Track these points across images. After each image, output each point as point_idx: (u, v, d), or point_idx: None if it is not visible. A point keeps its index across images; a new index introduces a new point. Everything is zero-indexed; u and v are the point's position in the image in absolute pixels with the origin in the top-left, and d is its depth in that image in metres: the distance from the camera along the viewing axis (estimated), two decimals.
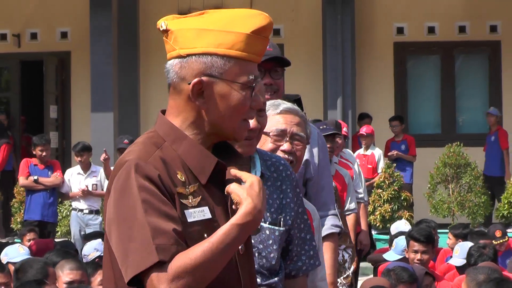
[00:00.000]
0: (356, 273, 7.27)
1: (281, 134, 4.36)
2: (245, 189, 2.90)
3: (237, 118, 3.04)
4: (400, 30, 18.37)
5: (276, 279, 3.85)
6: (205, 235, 2.92)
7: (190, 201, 2.95)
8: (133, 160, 2.94)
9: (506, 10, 17.97)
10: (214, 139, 3.07)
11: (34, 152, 14.66)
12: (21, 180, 14.71)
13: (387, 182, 16.09)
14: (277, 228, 3.78)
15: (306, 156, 4.97)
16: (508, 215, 16.29)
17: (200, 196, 2.98)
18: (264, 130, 4.12)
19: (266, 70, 5.05)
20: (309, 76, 17.06)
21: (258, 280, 3.71)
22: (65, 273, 7.19)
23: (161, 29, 3.05)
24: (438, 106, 18.04)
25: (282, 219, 3.81)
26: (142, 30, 18.09)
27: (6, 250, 9.49)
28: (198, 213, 2.96)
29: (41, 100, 18.65)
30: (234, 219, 2.86)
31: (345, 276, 6.70)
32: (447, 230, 13.54)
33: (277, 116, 4.42)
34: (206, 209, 2.98)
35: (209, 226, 2.96)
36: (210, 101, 2.98)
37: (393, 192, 16.00)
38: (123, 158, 3.00)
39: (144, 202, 2.85)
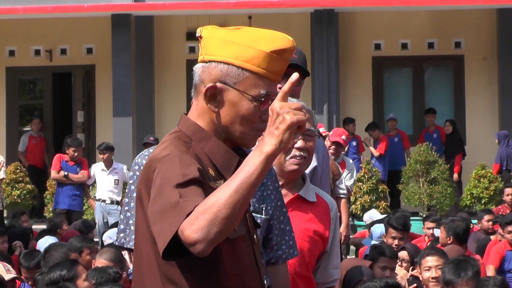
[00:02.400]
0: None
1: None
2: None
3: (246, 126, 2.93)
4: (377, 46, 18.29)
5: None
6: (235, 227, 2.80)
7: None
8: (176, 152, 2.83)
9: (468, 29, 17.93)
10: (228, 144, 2.96)
11: (66, 152, 14.67)
12: (53, 173, 14.72)
13: (366, 176, 16.11)
14: (259, 216, 3.65)
15: (314, 163, 4.77)
16: (471, 204, 16.31)
17: None
18: None
19: (285, 75, 4.78)
20: (302, 94, 16.98)
21: None
22: (100, 262, 7.13)
23: (197, 35, 2.98)
24: (410, 111, 18.00)
25: (264, 207, 3.69)
26: (157, 47, 18.05)
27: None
28: None
29: (70, 107, 18.64)
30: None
31: None
32: (418, 218, 13.58)
33: None
34: None
35: None
36: (221, 106, 2.89)
37: (371, 185, 16.04)
38: (159, 154, 2.87)
39: (187, 189, 2.70)
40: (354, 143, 16.93)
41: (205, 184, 2.79)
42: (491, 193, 16.31)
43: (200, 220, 2.57)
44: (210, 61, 2.92)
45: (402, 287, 6.10)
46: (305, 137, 4.15)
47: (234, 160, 2.91)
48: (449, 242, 8.90)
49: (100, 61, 18.00)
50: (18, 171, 16.79)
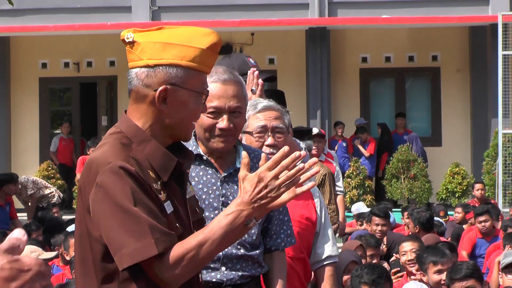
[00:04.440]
0: None
1: (263, 130, 3.90)
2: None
3: (190, 121, 2.75)
4: (364, 60, 18.29)
5: (257, 251, 3.58)
6: (177, 225, 2.63)
7: (162, 196, 2.63)
8: (116, 162, 2.57)
9: (444, 44, 17.95)
10: (168, 141, 2.75)
11: (88, 153, 14.67)
12: (78, 175, 14.70)
13: (354, 173, 16.14)
14: None
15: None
16: (446, 197, 16.35)
17: (166, 192, 2.65)
18: (248, 130, 3.91)
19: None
20: (296, 95, 17.00)
21: (242, 251, 3.54)
22: None
23: (127, 40, 2.73)
24: (393, 117, 18.01)
25: None
26: None
27: None
28: (168, 206, 2.63)
29: (95, 112, 18.68)
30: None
31: None
32: (399, 209, 13.60)
33: (257, 114, 3.93)
34: (169, 202, 2.65)
35: (177, 217, 2.66)
36: (172, 106, 2.67)
37: (359, 181, 16.09)
38: (101, 158, 2.61)
39: (136, 199, 2.51)
40: (344, 144, 16.97)
41: (145, 187, 2.58)
42: (464, 188, 16.38)
43: (183, 268, 2.49)
44: (155, 65, 2.69)
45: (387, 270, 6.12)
46: (274, 134, 3.91)
47: (172, 162, 2.68)
48: (416, 231, 8.97)
49: (122, 72, 17.99)
50: (50, 168, 16.96)
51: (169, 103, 2.66)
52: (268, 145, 3.86)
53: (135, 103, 2.72)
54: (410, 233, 9.46)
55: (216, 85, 3.39)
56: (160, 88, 2.63)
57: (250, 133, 3.90)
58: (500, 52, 15.73)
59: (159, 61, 2.67)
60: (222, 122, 3.35)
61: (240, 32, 17.05)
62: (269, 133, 3.89)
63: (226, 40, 17.35)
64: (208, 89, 2.78)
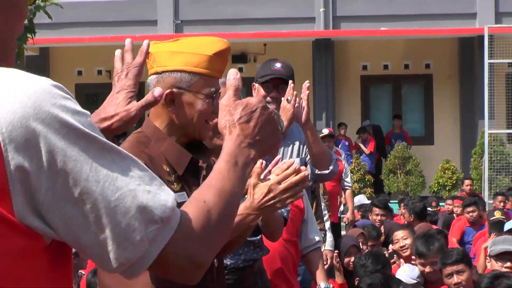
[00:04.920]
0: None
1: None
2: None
3: (200, 121, 2.67)
4: (364, 67, 18.31)
5: (257, 237, 3.56)
6: None
7: (174, 187, 2.57)
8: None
9: (436, 53, 17.92)
10: (184, 139, 2.71)
11: None
12: None
13: (356, 168, 16.14)
14: None
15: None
16: (437, 190, 16.34)
17: (181, 184, 2.60)
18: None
19: (274, 86, 4.50)
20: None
21: None
22: None
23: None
24: (390, 118, 18.02)
25: None
26: None
27: None
28: (180, 197, 2.50)
29: None
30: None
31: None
32: (396, 201, 13.57)
33: None
34: (184, 193, 2.56)
35: None
36: (180, 108, 2.64)
37: (360, 176, 16.10)
38: None
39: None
40: (346, 143, 16.95)
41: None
42: (454, 182, 16.39)
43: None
44: (163, 72, 2.68)
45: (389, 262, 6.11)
46: None
47: (186, 157, 2.63)
48: (411, 219, 8.98)
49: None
50: None
51: (176, 105, 2.64)
52: None
53: (155, 107, 2.68)
54: (405, 222, 9.47)
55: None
56: (166, 92, 2.61)
57: None
58: (486, 61, 15.67)
59: (165, 67, 2.66)
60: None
61: (254, 43, 17.06)
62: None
63: (242, 50, 17.39)
64: (217, 91, 2.72)
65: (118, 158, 1.36)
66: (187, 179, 2.65)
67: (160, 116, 2.69)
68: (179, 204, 1.93)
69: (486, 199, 13.74)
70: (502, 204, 11.42)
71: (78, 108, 1.34)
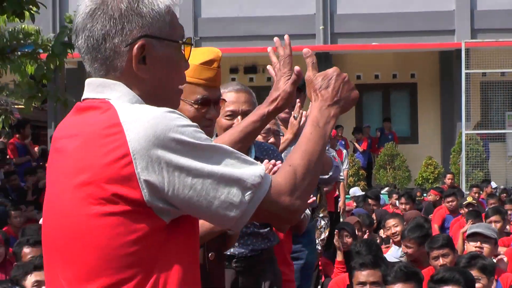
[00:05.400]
0: (329, 239, 6.39)
1: (267, 132, 3.82)
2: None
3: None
4: (358, 77, 18.27)
5: (266, 229, 3.40)
6: None
7: None
8: None
9: (420, 65, 17.90)
10: None
11: None
12: None
13: (350, 164, 16.18)
14: None
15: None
16: (421, 183, 16.39)
17: None
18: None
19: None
20: (306, 104, 17.07)
21: (251, 229, 3.34)
22: None
23: None
24: (381, 121, 18.01)
25: None
26: None
27: None
28: None
29: None
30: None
31: (321, 238, 5.68)
32: (386, 193, 13.71)
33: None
34: None
35: None
36: None
37: (354, 170, 16.15)
38: None
39: None
40: (343, 142, 16.96)
41: None
42: (436, 176, 16.38)
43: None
44: None
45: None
46: (275, 135, 3.86)
47: None
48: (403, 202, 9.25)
49: None
50: None
51: None
52: (271, 143, 3.75)
53: None
54: (393, 211, 9.63)
55: (231, 93, 3.28)
56: None
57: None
58: (463, 71, 15.73)
59: None
60: (237, 122, 3.17)
61: (263, 56, 16.94)
62: (271, 134, 3.86)
63: (252, 62, 17.48)
64: (207, 98, 2.60)
65: (215, 153, 1.54)
66: None
67: None
68: None
69: (463, 190, 13.90)
70: (477, 195, 11.62)
71: (186, 122, 1.53)
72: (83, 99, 1.65)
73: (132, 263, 1.48)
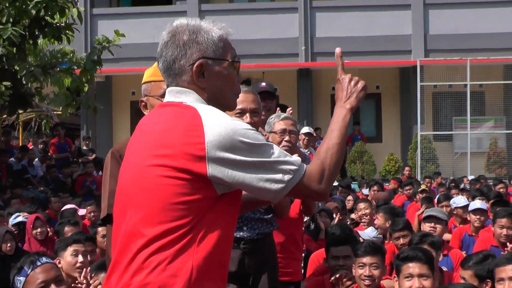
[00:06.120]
0: (310, 220, 6.14)
1: (283, 131, 3.68)
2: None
3: None
4: (333, 89, 17.38)
5: (269, 215, 3.30)
6: None
7: None
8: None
9: (383, 78, 17.90)
10: None
11: None
12: None
13: None
14: None
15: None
16: (385, 174, 16.41)
17: None
18: (273, 131, 3.66)
19: (263, 98, 4.05)
20: (292, 115, 17.10)
21: (258, 215, 3.24)
22: None
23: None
24: (352, 124, 17.95)
25: None
26: None
27: None
28: None
29: None
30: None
31: (304, 220, 5.35)
32: (356, 183, 13.78)
33: (280, 121, 3.68)
34: None
35: None
36: (150, 110, 2.52)
37: None
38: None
39: None
40: (320, 141, 16.95)
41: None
42: (396, 169, 16.42)
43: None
44: (143, 83, 2.66)
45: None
46: (290, 135, 3.72)
47: None
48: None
49: None
50: None
51: (149, 109, 2.57)
52: (286, 141, 3.69)
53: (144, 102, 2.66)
54: (363, 197, 9.70)
55: (240, 94, 3.24)
56: (140, 100, 2.66)
57: (274, 132, 3.71)
58: (418, 84, 15.85)
59: (143, 81, 2.67)
60: (246, 119, 3.14)
61: (256, 71, 16.96)
62: (287, 133, 3.74)
63: (247, 76, 17.23)
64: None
65: (267, 148, 1.70)
66: None
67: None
68: None
69: (419, 180, 14.00)
70: (429, 184, 11.71)
71: (247, 127, 1.72)
72: (166, 101, 1.83)
73: (183, 217, 1.64)
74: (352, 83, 1.97)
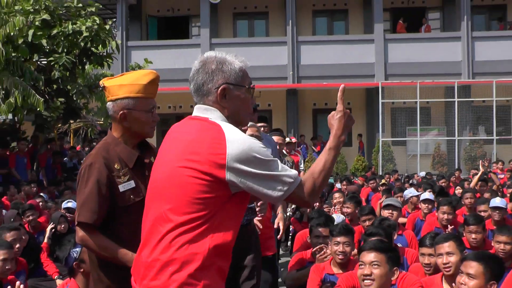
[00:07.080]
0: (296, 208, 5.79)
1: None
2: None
3: (146, 127, 2.24)
4: (315, 104, 18.07)
5: (253, 204, 3.16)
6: (132, 197, 2.14)
7: (121, 179, 2.16)
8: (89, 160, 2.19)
9: (353, 96, 17.72)
10: (134, 142, 2.27)
11: None
12: None
13: (310, 161, 15.99)
14: None
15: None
16: (354, 171, 16.34)
17: (129, 175, 2.17)
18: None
19: (258, 121, 3.92)
20: (280, 120, 16.98)
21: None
22: None
23: (101, 86, 2.24)
24: (327, 134, 17.88)
25: None
26: None
27: None
28: (128, 185, 2.16)
29: None
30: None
31: (292, 207, 5.16)
32: (332, 178, 13.69)
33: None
34: (132, 182, 2.17)
35: (134, 192, 2.16)
36: (131, 121, 2.22)
37: (311, 165, 15.96)
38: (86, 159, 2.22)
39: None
40: (304, 146, 16.92)
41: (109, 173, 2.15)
42: (363, 167, 16.29)
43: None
44: (116, 99, 2.21)
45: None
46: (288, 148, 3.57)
47: (134, 155, 2.23)
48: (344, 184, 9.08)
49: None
50: None
51: (129, 120, 2.23)
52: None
53: (113, 122, 2.28)
54: (336, 189, 9.63)
55: (252, 128, 3.02)
56: (120, 112, 2.22)
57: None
58: (380, 101, 15.87)
59: (117, 96, 2.21)
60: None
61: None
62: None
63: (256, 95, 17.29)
64: (153, 106, 2.24)
65: (272, 163, 1.69)
66: (136, 172, 2.20)
67: (117, 129, 2.26)
68: (128, 191, 2.12)
69: (381, 175, 13.97)
70: (388, 179, 11.69)
71: (260, 145, 1.69)
72: (194, 115, 1.81)
73: (204, 209, 1.65)
74: (341, 116, 1.83)
